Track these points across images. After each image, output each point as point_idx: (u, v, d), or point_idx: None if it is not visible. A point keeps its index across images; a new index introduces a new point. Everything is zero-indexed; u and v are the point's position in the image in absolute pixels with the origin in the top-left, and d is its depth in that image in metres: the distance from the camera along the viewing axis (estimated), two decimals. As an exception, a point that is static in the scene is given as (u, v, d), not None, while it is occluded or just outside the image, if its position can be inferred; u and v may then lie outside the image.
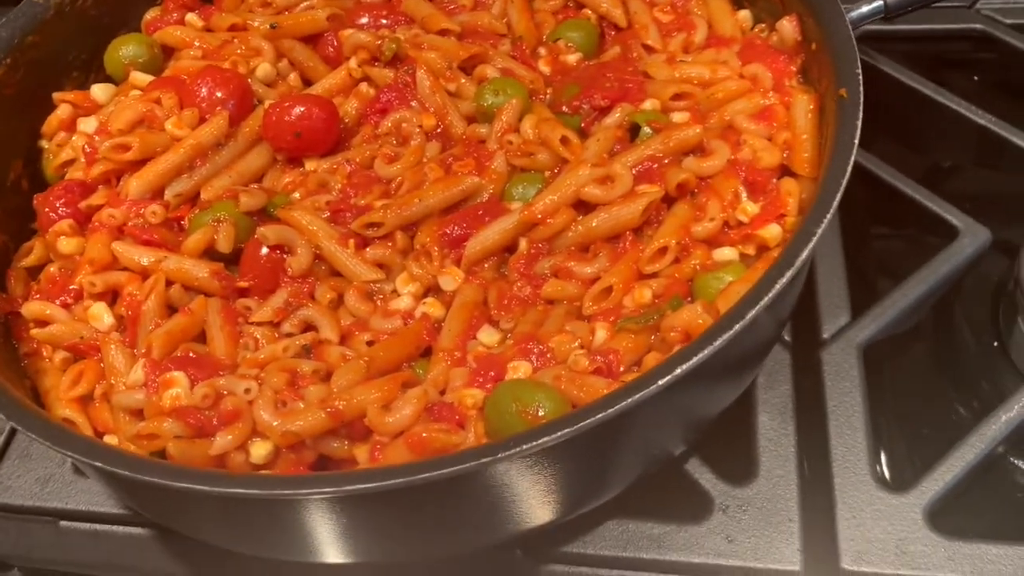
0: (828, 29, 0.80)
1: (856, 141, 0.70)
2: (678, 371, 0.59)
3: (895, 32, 1.15)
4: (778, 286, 0.63)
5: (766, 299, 0.62)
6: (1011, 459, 0.92)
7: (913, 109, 1.06)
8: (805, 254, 0.64)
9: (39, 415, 0.67)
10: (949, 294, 1.01)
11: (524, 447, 0.58)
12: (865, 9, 0.89)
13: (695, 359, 0.60)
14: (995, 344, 0.99)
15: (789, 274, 0.63)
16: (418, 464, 0.59)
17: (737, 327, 0.61)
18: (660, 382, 0.59)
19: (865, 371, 0.85)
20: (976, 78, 1.24)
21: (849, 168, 0.68)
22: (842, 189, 0.67)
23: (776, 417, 0.81)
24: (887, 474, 0.87)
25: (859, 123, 0.71)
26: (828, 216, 0.66)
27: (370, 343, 0.76)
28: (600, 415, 0.58)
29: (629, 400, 0.59)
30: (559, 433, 0.58)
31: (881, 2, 0.89)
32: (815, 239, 0.65)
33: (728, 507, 0.77)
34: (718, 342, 0.60)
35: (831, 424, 0.80)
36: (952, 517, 0.78)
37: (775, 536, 0.75)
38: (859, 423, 0.80)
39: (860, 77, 0.74)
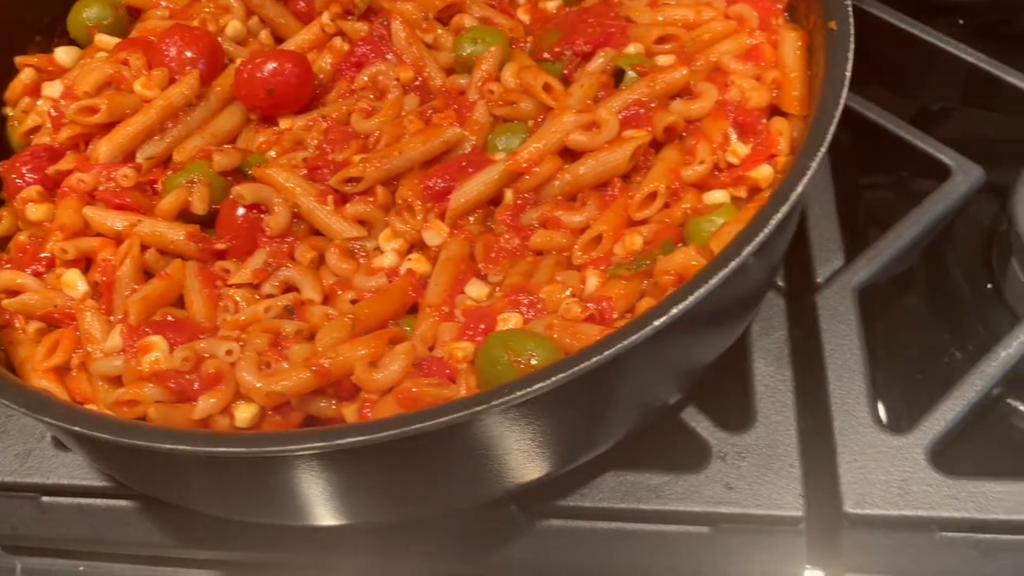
0: (814, -37, 0.78)
1: (848, 73, 0.69)
2: (673, 311, 0.57)
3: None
4: (773, 222, 0.61)
5: (762, 235, 0.60)
6: (1008, 400, 0.91)
7: (901, 50, 1.04)
8: (800, 189, 0.62)
9: (14, 382, 0.65)
10: (940, 239, 1.00)
11: (518, 394, 0.56)
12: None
13: (690, 299, 0.58)
14: (988, 287, 0.98)
15: (784, 209, 0.61)
16: (409, 416, 0.57)
17: (733, 264, 0.59)
18: (655, 323, 0.57)
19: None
20: (961, 22, 1.22)
21: (842, 100, 0.67)
22: (835, 121, 0.65)
23: (772, 363, 0.80)
24: (884, 421, 0.86)
25: (851, 55, 0.69)
26: (822, 149, 0.64)
27: (354, 302, 0.74)
28: (594, 359, 0.56)
29: (624, 343, 0.57)
30: (553, 379, 0.56)
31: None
32: (810, 173, 0.63)
33: (727, 455, 0.75)
34: (713, 281, 0.58)
35: (829, 367, 0.79)
36: (953, 459, 0.77)
37: (776, 482, 0.74)
38: (857, 365, 0.79)
39: (850, 9, 0.72)
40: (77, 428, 0.58)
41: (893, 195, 1.09)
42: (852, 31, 0.71)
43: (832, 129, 0.65)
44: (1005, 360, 0.78)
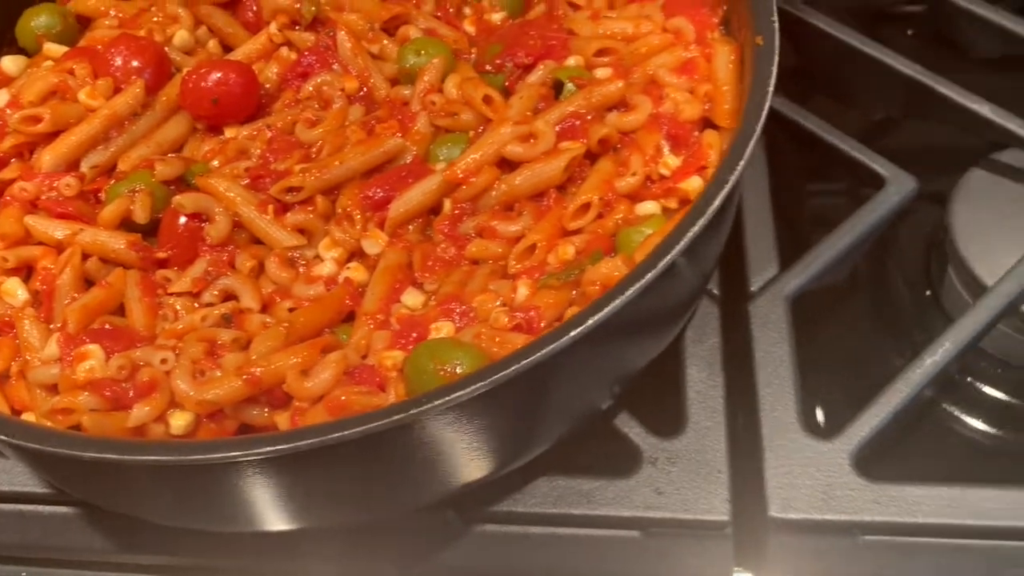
0: (746, -22, 0.79)
1: (770, 88, 0.70)
2: (590, 322, 0.59)
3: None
4: (690, 234, 0.62)
5: (678, 248, 0.61)
6: (944, 406, 0.93)
7: (842, 62, 1.06)
8: (718, 202, 0.64)
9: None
10: (881, 246, 1.02)
11: (437, 403, 0.57)
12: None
13: (606, 310, 0.59)
14: (928, 294, 1.00)
15: (701, 222, 0.63)
16: (327, 425, 0.58)
17: (649, 276, 0.60)
18: (572, 333, 0.59)
19: (797, 323, 0.85)
20: (910, 32, 1.25)
21: (763, 114, 0.68)
22: (756, 135, 0.67)
23: (704, 370, 0.81)
24: (824, 427, 0.87)
25: (774, 69, 0.71)
26: (742, 163, 0.65)
27: (292, 310, 0.75)
28: (513, 368, 0.58)
29: (542, 352, 0.58)
30: (472, 388, 0.57)
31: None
32: (728, 186, 0.64)
33: (657, 460, 0.77)
34: (629, 292, 0.60)
35: (759, 374, 0.80)
36: (885, 463, 0.78)
37: (704, 487, 0.75)
38: (787, 372, 0.80)
39: (776, 24, 0.74)
40: (1, 437, 0.59)
41: (838, 201, 1.11)
42: (777, 46, 0.73)
43: (752, 144, 0.66)
44: (931, 367, 0.80)
